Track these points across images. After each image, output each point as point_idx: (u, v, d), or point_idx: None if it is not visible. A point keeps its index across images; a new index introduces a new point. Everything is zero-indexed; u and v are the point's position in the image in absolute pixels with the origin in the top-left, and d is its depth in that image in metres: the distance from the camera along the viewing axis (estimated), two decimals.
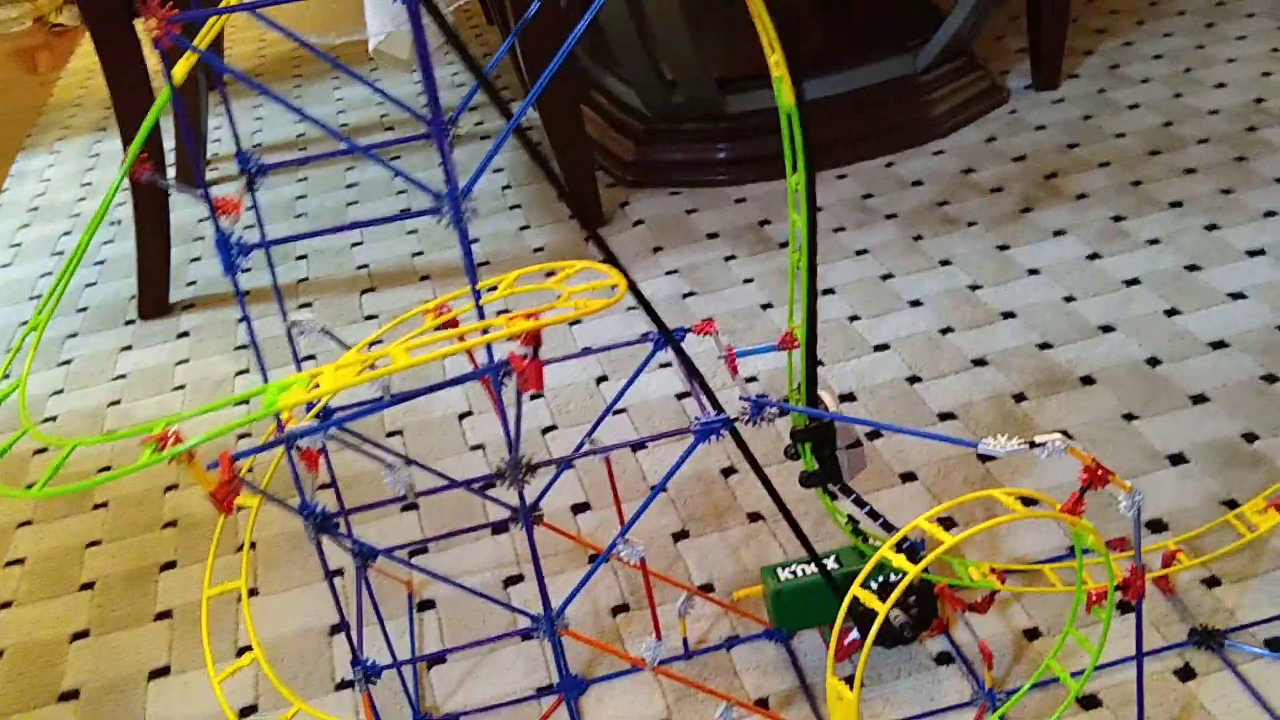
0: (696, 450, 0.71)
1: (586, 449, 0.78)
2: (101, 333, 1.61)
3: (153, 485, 1.27)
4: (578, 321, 1.42)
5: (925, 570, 0.88)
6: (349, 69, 0.70)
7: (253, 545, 1.14)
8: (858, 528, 0.92)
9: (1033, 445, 0.65)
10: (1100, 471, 0.67)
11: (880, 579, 0.85)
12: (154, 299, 1.62)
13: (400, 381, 1.26)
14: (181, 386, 1.45)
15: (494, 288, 0.78)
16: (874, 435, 1.15)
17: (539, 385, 0.57)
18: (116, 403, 1.44)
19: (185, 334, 1.57)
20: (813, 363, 0.79)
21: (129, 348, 1.56)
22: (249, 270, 1.67)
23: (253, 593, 1.09)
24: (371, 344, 0.88)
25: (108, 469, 1.31)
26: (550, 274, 0.68)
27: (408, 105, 0.75)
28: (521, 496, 0.73)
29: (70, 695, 1.01)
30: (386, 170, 1.90)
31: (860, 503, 0.86)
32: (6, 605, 1.14)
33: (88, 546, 1.19)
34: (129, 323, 1.62)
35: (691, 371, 0.77)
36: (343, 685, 0.97)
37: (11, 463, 1.34)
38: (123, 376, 1.49)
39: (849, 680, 0.67)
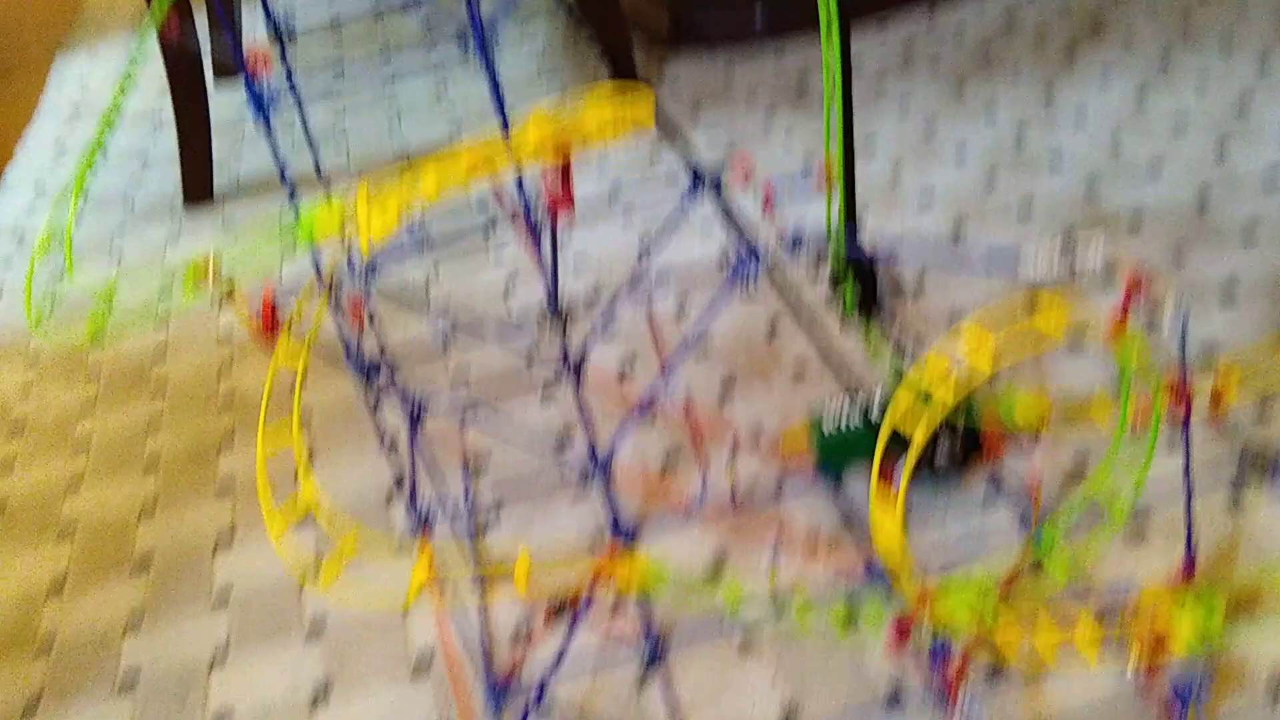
0: (739, 311, 0.71)
1: (627, 305, 0.79)
2: (148, 228, 1.62)
3: (208, 364, 1.30)
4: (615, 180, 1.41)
5: (971, 407, 0.89)
6: None
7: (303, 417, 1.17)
8: (900, 369, 0.92)
9: (1073, 261, 0.64)
10: (1142, 281, 0.67)
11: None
12: (198, 186, 1.64)
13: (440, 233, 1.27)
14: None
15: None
16: (919, 291, 1.14)
17: (570, 205, 0.57)
18: (166, 293, 1.46)
19: (231, 224, 1.58)
20: (851, 196, 0.79)
21: (176, 240, 1.58)
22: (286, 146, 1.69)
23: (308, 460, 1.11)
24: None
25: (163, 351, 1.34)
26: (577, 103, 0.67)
27: None
28: (565, 346, 0.73)
29: (142, 568, 1.05)
30: (424, 54, 1.88)
31: (900, 347, 0.86)
32: (76, 486, 1.17)
33: (149, 428, 1.23)
34: (175, 216, 1.64)
35: (726, 212, 0.76)
36: (399, 549, 0.99)
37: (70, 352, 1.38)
38: (171, 268, 1.52)
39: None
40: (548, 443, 1.07)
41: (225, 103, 1.90)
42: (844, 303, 0.86)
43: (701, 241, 1.29)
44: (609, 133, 0.62)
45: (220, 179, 1.68)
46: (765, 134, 1.47)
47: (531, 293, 1.29)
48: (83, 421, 1.26)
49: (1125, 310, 0.70)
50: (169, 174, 1.74)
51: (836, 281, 0.83)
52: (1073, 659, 0.77)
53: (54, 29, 2.49)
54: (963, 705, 0.73)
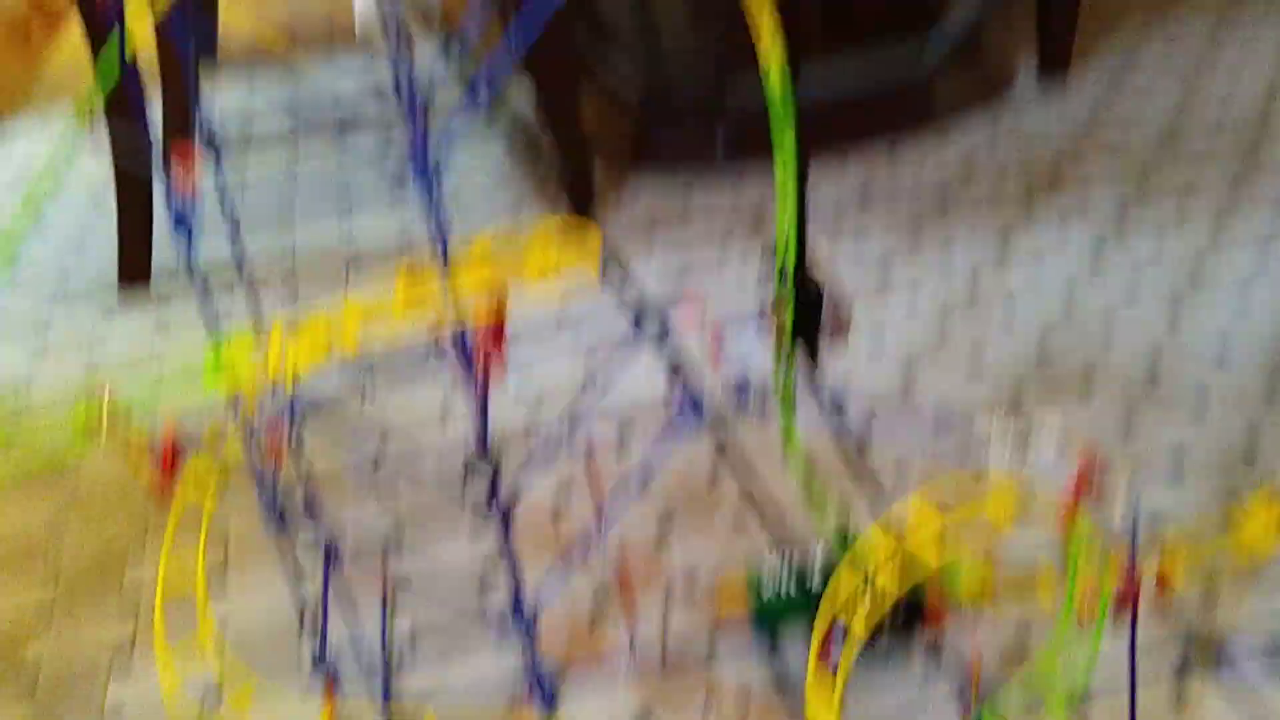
0: (682, 449, 0.68)
1: (564, 446, 0.75)
2: (79, 313, 1.57)
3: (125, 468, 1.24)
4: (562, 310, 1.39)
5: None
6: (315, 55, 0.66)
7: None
8: (846, 536, 0.89)
9: (1028, 451, 0.61)
10: (1095, 467, 0.64)
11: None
12: (134, 268, 1.59)
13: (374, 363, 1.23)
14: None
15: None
16: (865, 440, 1.11)
17: (501, 359, 0.53)
18: (95, 380, 1.41)
19: (166, 310, 1.53)
20: (802, 247, 0.76)
21: (108, 328, 1.53)
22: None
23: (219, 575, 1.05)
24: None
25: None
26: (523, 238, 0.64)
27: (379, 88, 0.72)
28: (495, 487, 0.69)
29: (28, 687, 0.98)
30: (376, 159, 1.86)
31: (844, 504, 0.83)
32: None
33: (53, 530, 1.16)
34: (108, 303, 1.59)
35: (673, 362, 0.73)
36: (301, 699, 0.94)
37: None
38: (103, 358, 1.46)
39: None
40: (471, 584, 1.02)
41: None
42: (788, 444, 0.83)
43: (647, 376, 1.25)
44: (550, 273, 0.59)
45: (160, 267, 1.63)
46: (720, 262, 1.46)
47: (468, 421, 1.25)
48: None
49: (1077, 496, 0.67)
50: (105, 259, 1.70)
51: (773, 305, 0.80)
52: None
53: (7, 99, 2.44)
54: None
